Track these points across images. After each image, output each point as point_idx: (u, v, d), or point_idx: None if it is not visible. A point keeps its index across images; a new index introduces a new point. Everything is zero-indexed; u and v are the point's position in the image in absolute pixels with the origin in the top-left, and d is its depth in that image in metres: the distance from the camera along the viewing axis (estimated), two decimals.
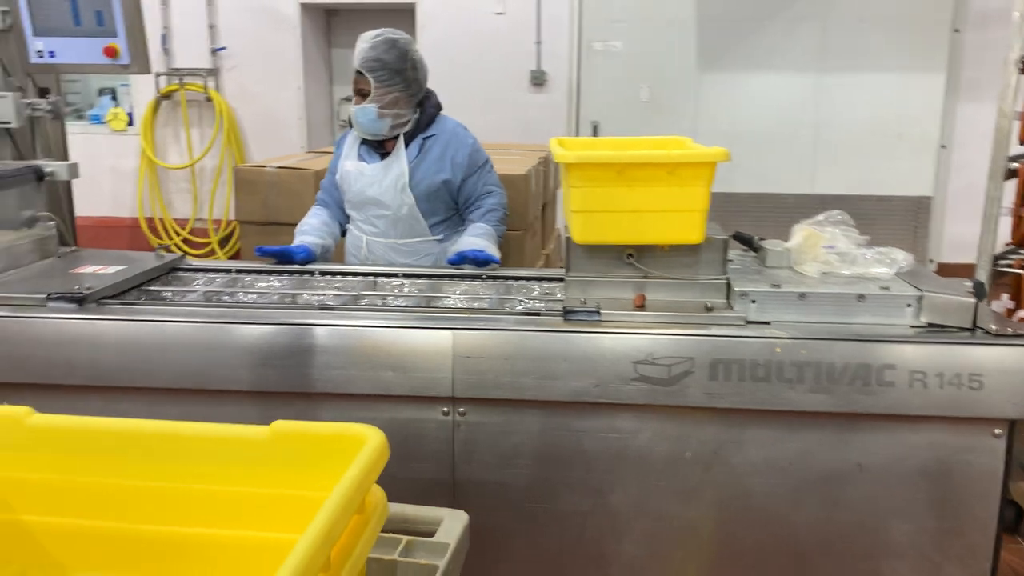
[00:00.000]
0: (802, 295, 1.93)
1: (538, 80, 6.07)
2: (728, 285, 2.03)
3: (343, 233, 2.89)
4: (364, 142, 2.76)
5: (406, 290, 2.31)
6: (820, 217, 2.16)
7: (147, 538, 1.14)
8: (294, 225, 2.80)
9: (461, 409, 1.91)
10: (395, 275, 2.43)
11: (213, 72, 6.39)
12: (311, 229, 2.74)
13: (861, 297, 1.92)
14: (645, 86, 6.05)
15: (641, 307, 2.01)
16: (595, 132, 6.15)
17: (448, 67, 5.87)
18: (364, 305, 2.13)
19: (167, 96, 6.45)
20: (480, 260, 2.44)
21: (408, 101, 2.67)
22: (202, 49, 6.34)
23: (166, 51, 6.33)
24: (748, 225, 2.39)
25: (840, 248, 2.07)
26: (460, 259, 2.48)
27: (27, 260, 2.39)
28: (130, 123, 6.65)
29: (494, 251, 2.60)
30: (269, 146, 6.24)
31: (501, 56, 6.00)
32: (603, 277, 2.07)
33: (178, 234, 6.60)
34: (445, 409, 1.91)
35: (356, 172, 2.75)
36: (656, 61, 6.03)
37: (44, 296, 2.07)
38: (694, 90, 6.04)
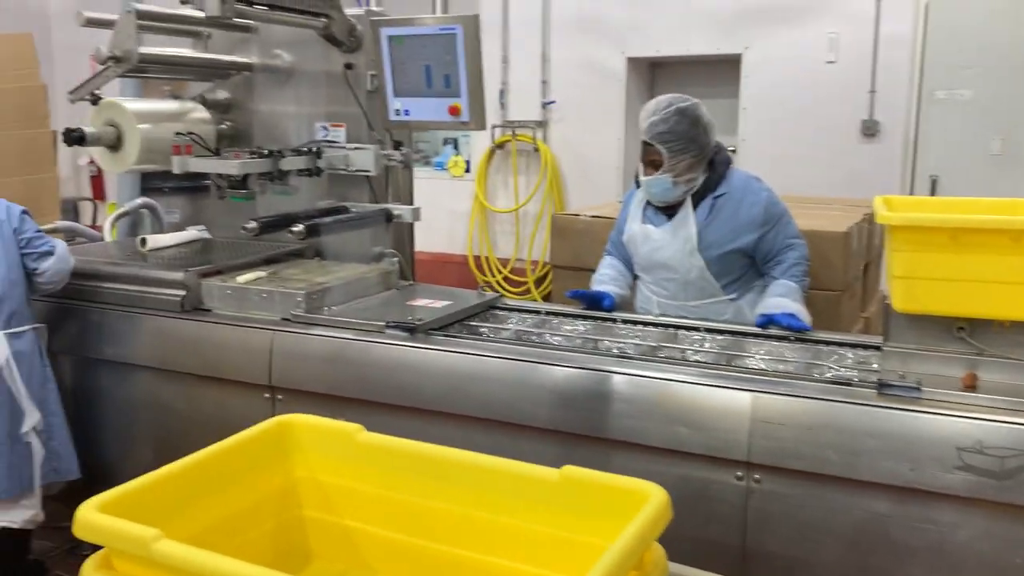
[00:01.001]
0: None
1: (869, 131, 5.69)
2: None
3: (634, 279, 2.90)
4: (650, 202, 2.72)
5: (707, 345, 2.28)
6: None
7: (445, 558, 1.24)
8: None
9: (756, 476, 1.84)
10: (696, 329, 2.41)
11: (542, 124, 6.82)
12: (609, 279, 2.79)
13: None
14: (997, 138, 5.43)
15: (971, 388, 1.80)
16: (933, 187, 5.62)
17: (771, 117, 5.69)
18: (662, 357, 2.14)
19: (500, 146, 7.01)
20: (794, 329, 2.32)
21: (700, 163, 2.59)
22: (534, 103, 6.80)
23: (502, 105, 6.88)
24: None
25: None
26: (767, 322, 2.37)
27: (372, 291, 2.72)
28: (467, 170, 7.33)
29: (805, 316, 2.44)
30: (587, 193, 6.50)
31: (829, 106, 5.71)
32: (927, 350, 1.89)
33: (500, 272, 7.10)
34: (739, 473, 1.85)
35: (643, 235, 2.71)
36: (1013, 109, 5.38)
37: (383, 324, 2.34)
38: None
